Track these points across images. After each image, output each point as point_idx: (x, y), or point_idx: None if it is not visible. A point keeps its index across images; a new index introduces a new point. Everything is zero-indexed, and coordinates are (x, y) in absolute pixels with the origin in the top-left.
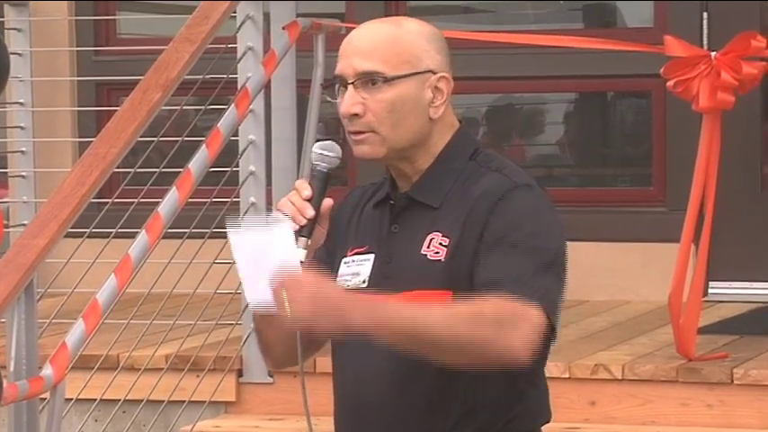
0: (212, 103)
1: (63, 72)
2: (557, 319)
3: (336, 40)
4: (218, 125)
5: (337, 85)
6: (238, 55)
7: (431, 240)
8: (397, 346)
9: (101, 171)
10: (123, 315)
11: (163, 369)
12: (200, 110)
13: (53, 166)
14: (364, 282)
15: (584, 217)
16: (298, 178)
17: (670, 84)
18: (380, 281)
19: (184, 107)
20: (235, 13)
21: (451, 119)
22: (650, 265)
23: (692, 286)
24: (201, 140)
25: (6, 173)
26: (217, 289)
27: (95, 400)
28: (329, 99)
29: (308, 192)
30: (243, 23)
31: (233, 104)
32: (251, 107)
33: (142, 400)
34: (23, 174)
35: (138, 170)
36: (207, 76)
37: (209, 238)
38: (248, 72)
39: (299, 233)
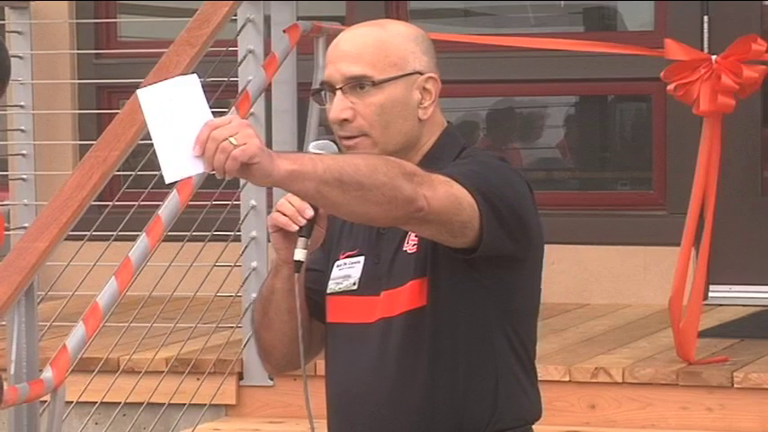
0: (213, 106)
1: (63, 75)
2: (494, 233)
3: None
4: None
5: (324, 91)
6: (239, 58)
7: (410, 235)
8: (322, 193)
9: (101, 174)
10: (124, 318)
11: (163, 372)
12: None
13: (54, 169)
14: (355, 284)
15: (585, 220)
16: None
17: (670, 87)
18: (371, 282)
19: None
20: (235, 16)
21: (440, 119)
22: (650, 269)
23: (693, 290)
24: None
25: (7, 176)
26: (217, 292)
27: (96, 403)
28: (318, 105)
29: None
30: (243, 26)
31: (234, 107)
32: (252, 110)
33: (142, 403)
34: (24, 177)
35: (139, 173)
36: (207, 80)
37: (209, 241)
38: (249, 75)
39: (298, 233)
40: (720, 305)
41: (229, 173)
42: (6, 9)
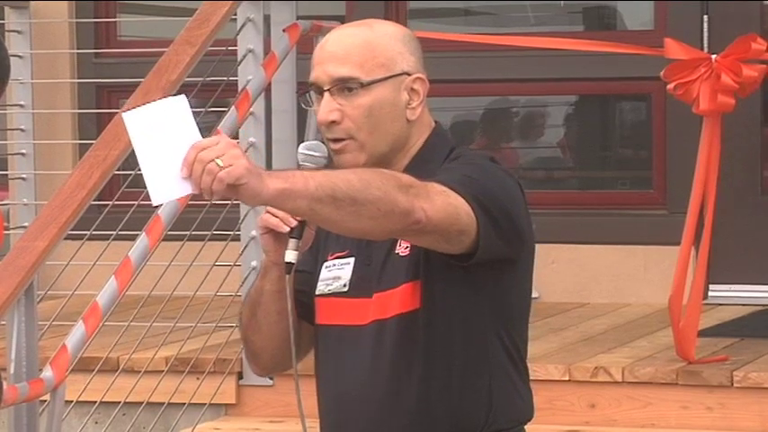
0: (213, 105)
1: (63, 74)
2: (488, 238)
3: None
4: (219, 127)
5: (311, 93)
6: (239, 57)
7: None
8: (316, 211)
9: (101, 173)
10: (123, 317)
11: (163, 371)
12: (201, 112)
13: (53, 169)
14: (345, 285)
15: (585, 220)
16: None
17: (670, 86)
18: (362, 283)
19: None
20: (235, 15)
21: (428, 119)
22: (650, 268)
23: (693, 289)
24: None
25: (7, 175)
26: (217, 291)
27: (95, 402)
28: (303, 106)
29: None
30: (243, 26)
31: (233, 107)
32: (251, 109)
33: (142, 403)
34: (24, 176)
35: (139, 173)
36: (207, 79)
37: (209, 240)
38: (248, 74)
39: (289, 234)
40: (720, 304)
41: (216, 194)
42: (6, 9)
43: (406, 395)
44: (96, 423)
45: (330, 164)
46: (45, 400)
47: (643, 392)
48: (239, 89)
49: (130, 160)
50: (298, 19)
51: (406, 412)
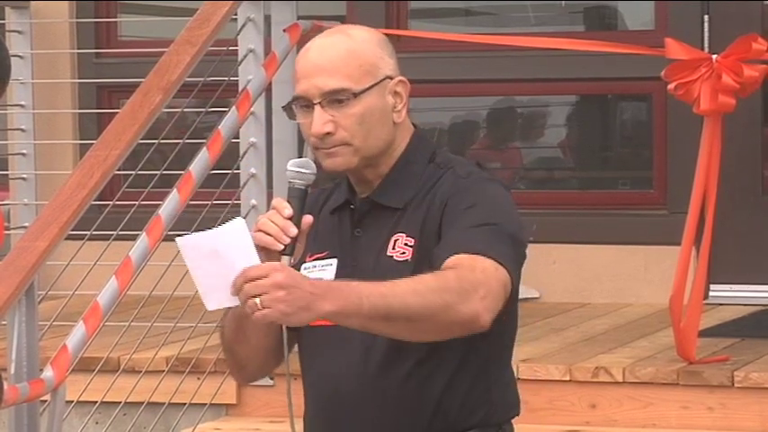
0: (213, 105)
1: (64, 74)
2: (515, 289)
3: None
4: (219, 127)
5: (294, 105)
6: (239, 57)
7: (395, 241)
8: (368, 328)
9: (102, 173)
10: (124, 317)
11: (163, 371)
12: (201, 112)
13: (54, 169)
14: None
15: (585, 220)
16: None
17: (671, 86)
18: None
19: (185, 110)
20: (236, 15)
21: (408, 122)
22: (651, 268)
23: (693, 289)
24: (202, 143)
25: (7, 175)
26: None
27: (96, 402)
28: (290, 119)
29: (288, 210)
30: (244, 26)
31: (234, 107)
32: (252, 109)
33: (143, 403)
34: (24, 176)
35: (139, 173)
36: (208, 79)
37: None
38: (249, 74)
39: (282, 252)
40: (721, 304)
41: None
42: (6, 9)
43: (401, 390)
44: (97, 423)
45: (318, 178)
46: (45, 401)
47: (644, 392)
48: (240, 89)
49: (131, 160)
50: (298, 19)
51: (399, 409)
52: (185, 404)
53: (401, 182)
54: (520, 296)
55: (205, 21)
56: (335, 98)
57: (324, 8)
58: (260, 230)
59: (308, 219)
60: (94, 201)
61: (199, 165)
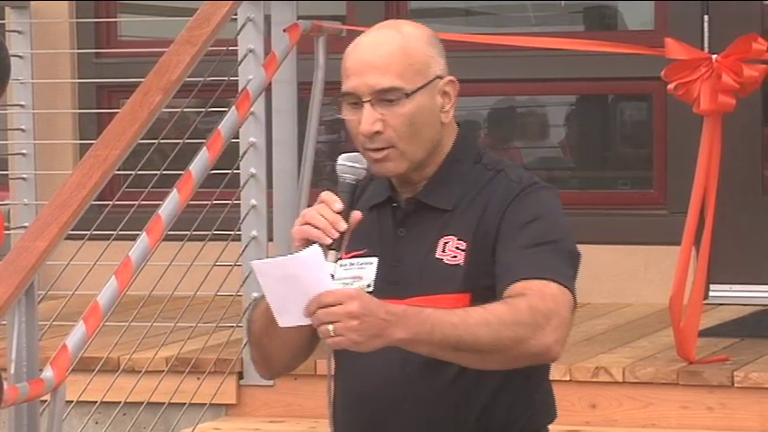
0: (213, 105)
1: (64, 74)
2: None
3: (337, 43)
4: (219, 127)
5: (344, 102)
6: (239, 57)
7: (445, 244)
8: (437, 356)
9: (101, 173)
10: (124, 317)
11: (163, 371)
12: (201, 112)
13: (54, 169)
14: (369, 285)
15: (585, 220)
16: (299, 181)
17: (671, 86)
18: (387, 285)
19: (185, 109)
20: (235, 15)
21: (454, 122)
22: (651, 268)
23: (693, 289)
24: (202, 143)
25: (7, 175)
26: (217, 291)
27: (96, 402)
28: (338, 115)
29: (339, 204)
30: (244, 26)
31: (234, 107)
32: (252, 109)
33: (143, 403)
34: (24, 176)
35: (139, 172)
36: (208, 79)
37: (209, 240)
38: (249, 74)
39: (329, 247)
40: (721, 304)
41: None
42: (6, 9)
43: (445, 390)
44: (97, 423)
45: (369, 173)
46: (45, 401)
47: (644, 392)
48: (240, 89)
49: (131, 160)
50: (298, 19)
51: (439, 409)
52: (185, 404)
53: (449, 182)
54: None
55: (205, 21)
56: (386, 97)
57: (324, 8)
58: (308, 223)
59: (357, 215)
60: (94, 201)
61: (199, 165)
